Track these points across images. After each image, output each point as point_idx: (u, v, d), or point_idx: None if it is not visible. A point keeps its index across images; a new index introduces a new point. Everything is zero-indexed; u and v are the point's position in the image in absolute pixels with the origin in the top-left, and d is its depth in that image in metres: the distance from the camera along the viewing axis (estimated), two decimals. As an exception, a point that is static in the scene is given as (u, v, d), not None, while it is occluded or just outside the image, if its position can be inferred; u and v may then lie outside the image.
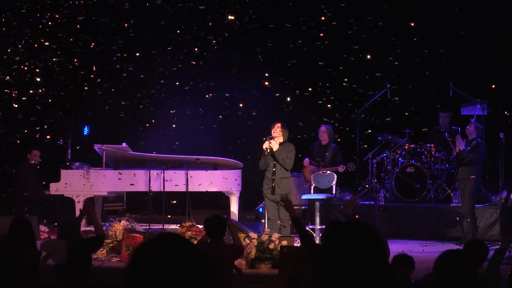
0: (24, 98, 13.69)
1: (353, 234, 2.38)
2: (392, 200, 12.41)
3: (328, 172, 11.39)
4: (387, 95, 12.70)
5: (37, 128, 13.91)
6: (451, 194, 12.02)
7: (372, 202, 12.17)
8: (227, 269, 6.31)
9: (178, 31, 13.75)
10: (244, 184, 11.83)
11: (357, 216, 11.18)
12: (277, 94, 14.05)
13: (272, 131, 10.14)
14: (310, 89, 14.05)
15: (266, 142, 10.06)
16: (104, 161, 11.78)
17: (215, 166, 11.76)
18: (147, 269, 2.11)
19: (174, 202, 12.51)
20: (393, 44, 13.42)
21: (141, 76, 14.06)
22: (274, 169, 10.10)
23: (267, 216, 10.41)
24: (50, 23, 13.29)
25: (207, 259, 2.20)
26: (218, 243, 6.45)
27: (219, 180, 11.60)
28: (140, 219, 11.53)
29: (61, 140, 13.31)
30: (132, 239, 9.42)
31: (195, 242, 7.67)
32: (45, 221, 11.57)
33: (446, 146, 12.17)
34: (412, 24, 13.36)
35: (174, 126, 14.25)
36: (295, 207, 11.50)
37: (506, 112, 13.06)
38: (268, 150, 10.08)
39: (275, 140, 10.10)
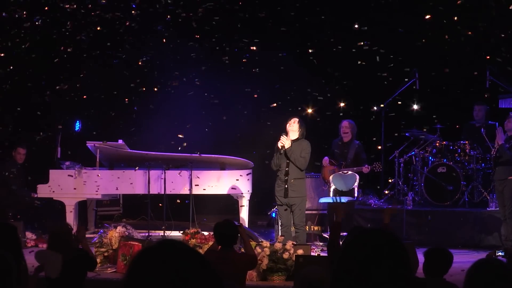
0: None
1: (375, 243, 2.38)
2: (421, 204, 12.38)
3: (350, 172, 11.40)
4: (416, 86, 12.70)
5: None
6: (488, 197, 11.93)
7: (399, 206, 12.00)
8: (238, 281, 6.30)
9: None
10: (255, 186, 11.81)
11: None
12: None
13: (287, 125, 10.07)
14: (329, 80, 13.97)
15: (282, 138, 10.00)
16: (97, 160, 11.80)
17: (222, 166, 11.78)
18: (146, 281, 2.11)
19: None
20: (422, 26, 13.30)
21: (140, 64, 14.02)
22: (287, 169, 9.98)
23: (280, 222, 10.34)
24: None
25: (214, 269, 2.19)
26: (229, 252, 6.46)
27: (227, 182, 11.61)
28: (138, 225, 11.54)
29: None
30: (129, 248, 9.33)
31: (201, 250, 7.74)
32: (32, 227, 11.61)
33: (482, 143, 12.09)
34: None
35: (177, 120, 14.19)
36: (312, 212, 11.68)
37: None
38: (280, 148, 10.00)
39: (289, 136, 10.00)
